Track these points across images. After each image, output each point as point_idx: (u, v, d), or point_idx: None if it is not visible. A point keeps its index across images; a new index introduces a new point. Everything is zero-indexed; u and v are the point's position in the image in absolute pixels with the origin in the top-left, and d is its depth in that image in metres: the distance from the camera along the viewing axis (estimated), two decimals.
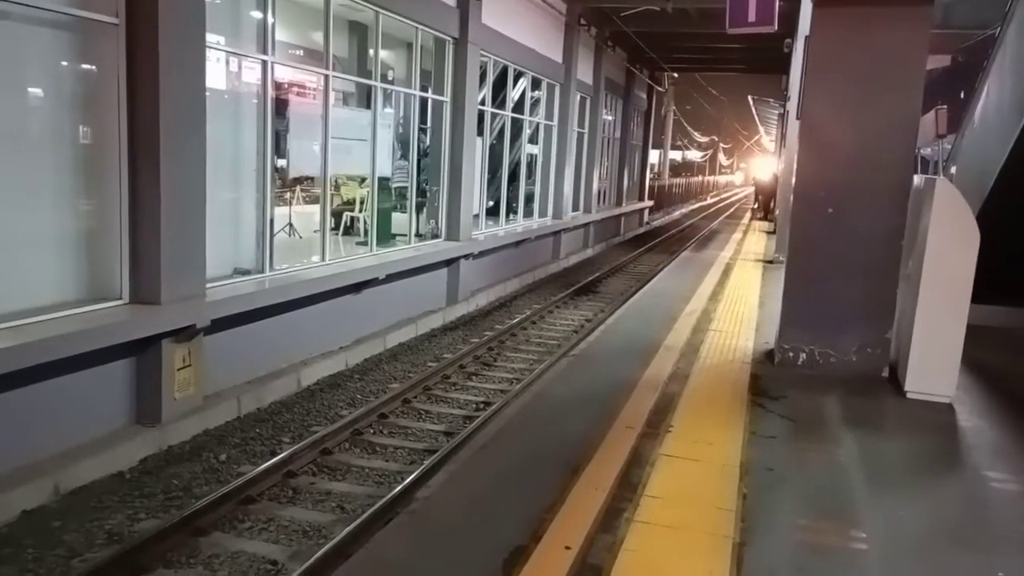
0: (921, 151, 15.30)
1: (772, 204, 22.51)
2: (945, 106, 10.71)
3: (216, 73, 7.27)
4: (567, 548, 3.23)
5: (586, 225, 20.16)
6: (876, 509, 3.84)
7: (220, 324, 6.82)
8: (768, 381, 5.87)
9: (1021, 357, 7.07)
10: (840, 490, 4.04)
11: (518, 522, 3.43)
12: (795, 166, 6.48)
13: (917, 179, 6.02)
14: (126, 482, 5.59)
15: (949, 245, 5.47)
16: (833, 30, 5.83)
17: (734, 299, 9.40)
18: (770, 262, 13.01)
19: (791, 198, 6.95)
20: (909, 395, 5.63)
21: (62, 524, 4.91)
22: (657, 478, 3.99)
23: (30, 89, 5.74)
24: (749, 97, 33.15)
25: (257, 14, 7.72)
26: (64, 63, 5.87)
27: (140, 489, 5.50)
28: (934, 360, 5.59)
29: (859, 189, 5.93)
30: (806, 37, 6.07)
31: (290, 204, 11.51)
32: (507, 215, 15.57)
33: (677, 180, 41.31)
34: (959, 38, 16.84)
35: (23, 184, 5.58)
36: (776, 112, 30.95)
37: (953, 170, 9.96)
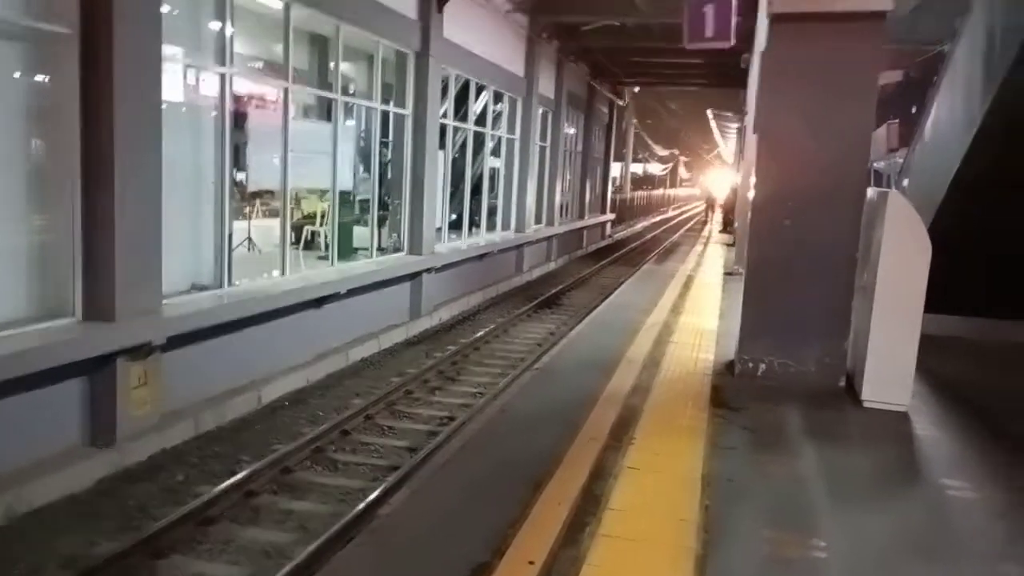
0: (875, 165, 15.65)
1: (732, 217, 22.83)
2: (897, 120, 10.99)
3: (173, 85, 7.17)
4: (531, 563, 3.21)
5: (549, 238, 20.23)
6: (837, 520, 3.88)
7: (177, 341, 6.70)
8: (729, 392, 5.92)
9: (973, 365, 7.24)
10: (801, 501, 4.08)
11: (481, 538, 3.40)
12: (752, 179, 6.57)
13: (871, 192, 6.15)
14: (81, 504, 5.45)
15: (902, 256, 5.58)
16: (788, 45, 5.93)
17: (695, 311, 9.49)
18: (730, 274, 13.16)
19: (748, 211, 7.04)
20: (866, 404, 5.72)
21: (14, 548, 4.76)
22: (620, 491, 3.99)
23: None
24: (708, 111, 33.65)
25: (216, 25, 7.63)
26: (16, 74, 5.76)
27: (95, 511, 5.36)
28: (889, 370, 5.69)
29: (815, 201, 6.03)
30: (762, 52, 6.17)
31: (250, 218, 11.38)
32: (470, 228, 15.57)
33: (639, 193, 41.72)
34: (913, 53, 17.30)
35: None
36: (735, 126, 31.45)
37: (905, 183, 10.20)
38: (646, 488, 4.08)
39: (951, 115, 7.72)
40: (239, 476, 5.89)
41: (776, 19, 5.85)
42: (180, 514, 5.21)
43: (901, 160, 11.10)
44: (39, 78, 5.87)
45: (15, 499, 5.15)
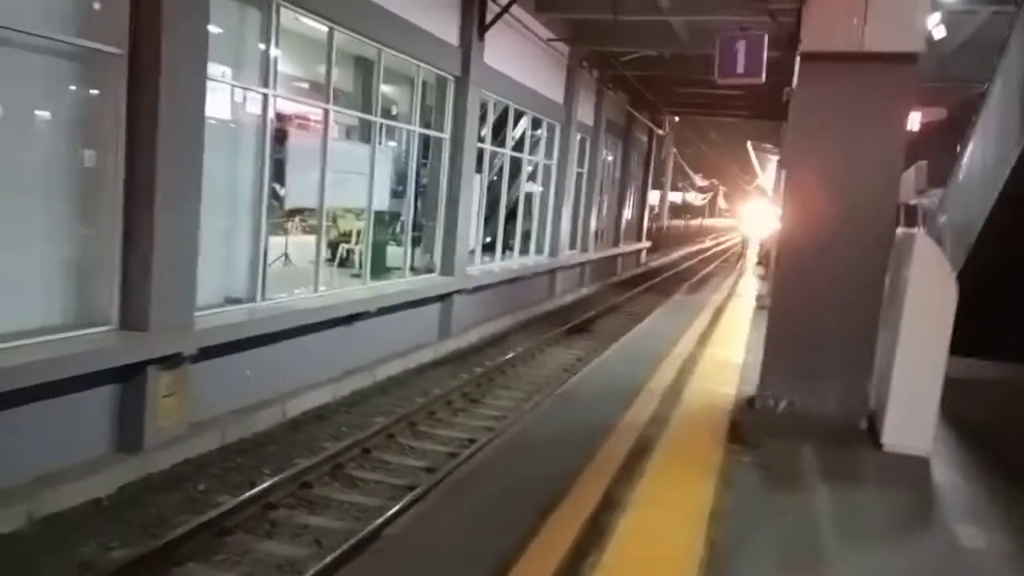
0: (922, 201, 15.47)
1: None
2: (925, 161, 10.86)
3: (217, 104, 7.41)
4: None
5: (582, 264, 20.27)
6: (845, 562, 3.85)
7: (208, 352, 6.86)
8: (746, 428, 5.89)
9: (997, 411, 7.09)
10: (810, 541, 4.05)
11: (483, 563, 3.45)
12: (780, 215, 6.57)
13: (899, 232, 6.11)
14: (103, 510, 5.60)
15: (928, 299, 5.53)
16: (817, 84, 5.94)
17: (722, 343, 9.45)
18: (761, 308, 13.06)
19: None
20: (886, 447, 5.64)
21: (34, 552, 4.91)
22: (626, 522, 4.01)
23: (33, 117, 5.88)
24: (748, 143, 33.51)
25: (261, 47, 7.88)
26: (67, 92, 6.01)
27: (116, 517, 5.51)
28: (911, 413, 5.62)
29: (841, 240, 6.00)
30: (792, 89, 6.19)
31: (287, 234, 11.64)
32: (503, 251, 15.69)
33: (676, 222, 41.58)
34: (956, 91, 17.09)
35: (23, 209, 5.69)
36: (775, 158, 31.29)
37: (943, 219, 10.08)
38: (653, 521, 4.09)
39: (985, 155, 7.64)
40: (259, 488, 6.00)
41: (806, 57, 5.87)
42: (198, 523, 5.32)
43: (936, 199, 10.97)
44: (88, 95, 6.11)
45: (41, 502, 5.32)
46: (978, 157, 7.94)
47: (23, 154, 5.74)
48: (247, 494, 5.88)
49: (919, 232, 6.17)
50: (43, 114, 5.93)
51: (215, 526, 5.41)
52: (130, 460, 6.11)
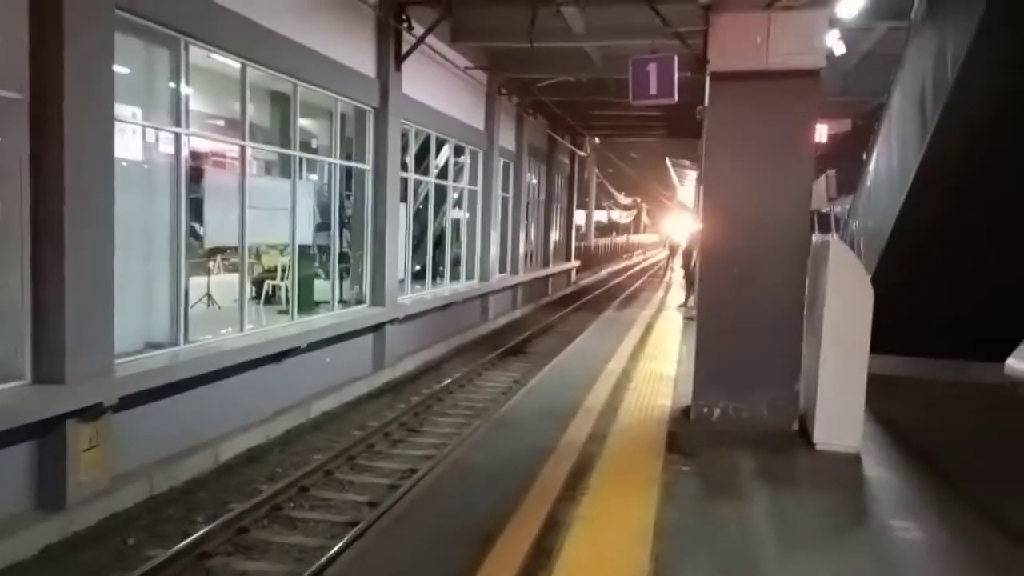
0: (833, 208, 16.11)
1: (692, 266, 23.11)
2: (833, 171, 11.36)
3: (128, 145, 7.20)
4: None
5: (514, 287, 20.35)
6: (787, 568, 3.93)
7: (130, 401, 6.60)
8: (684, 439, 5.98)
9: (920, 405, 7.39)
10: (752, 550, 4.11)
11: None
12: (702, 228, 6.74)
13: (815, 239, 6.34)
14: (26, 573, 5.29)
15: (846, 301, 5.74)
16: (727, 102, 6.16)
17: (654, 357, 9.59)
18: (690, 319, 13.33)
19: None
20: (818, 447, 5.81)
21: None
22: (571, 543, 4.01)
23: None
24: (667, 160, 34.37)
25: (172, 85, 7.69)
26: None
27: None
28: (839, 412, 5.81)
29: (760, 250, 6.20)
30: (703, 108, 6.40)
31: (209, 274, 11.34)
32: (434, 279, 15.62)
33: (603, 240, 42.21)
34: (859, 104, 17.94)
35: None
36: (693, 174, 32.14)
37: (854, 225, 10.51)
38: (598, 539, 4.10)
39: (890, 162, 8.01)
40: (192, 538, 5.78)
41: (714, 77, 6.08)
42: None
43: (847, 205, 11.45)
44: None
45: None
46: (883, 164, 8.32)
47: None
48: (180, 545, 5.65)
49: (833, 238, 6.42)
50: None
51: None
52: (52, 519, 5.80)
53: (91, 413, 6.15)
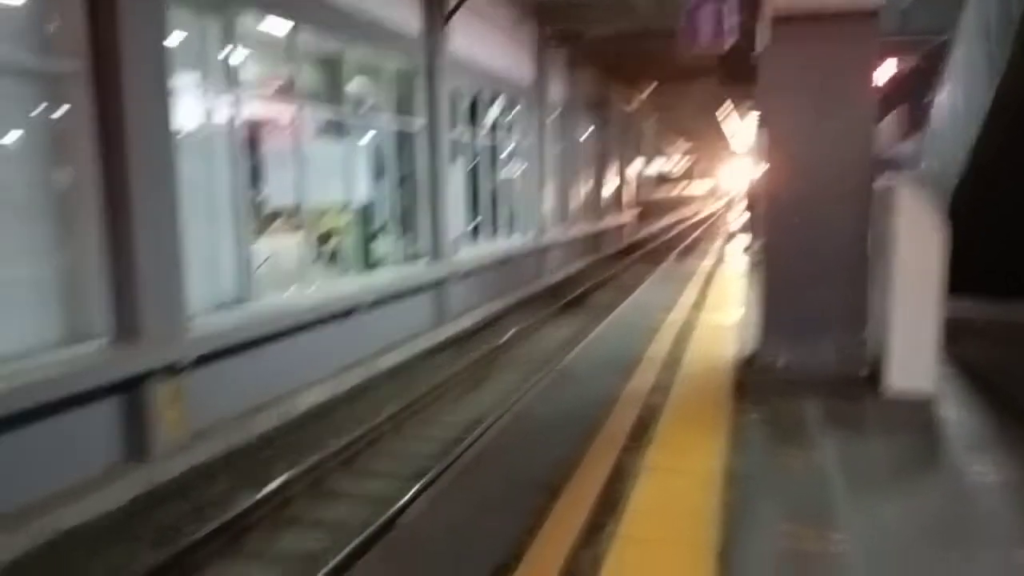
0: (900, 149, 15.55)
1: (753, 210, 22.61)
2: (899, 111, 10.90)
3: (186, 112, 7.34)
4: (549, 567, 3.27)
5: (569, 241, 20.28)
6: (859, 511, 3.89)
7: (204, 359, 6.85)
8: (750, 387, 5.93)
9: (997, 347, 7.17)
10: (822, 494, 4.08)
11: (500, 543, 3.47)
12: (763, 176, 6.59)
13: (881, 181, 6.14)
14: (116, 522, 5.60)
15: (916, 243, 5.56)
16: (784, 45, 5.95)
17: (715, 307, 9.49)
18: (754, 266, 13.11)
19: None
20: (889, 393, 5.69)
21: (53, 568, 4.90)
22: (639, 492, 4.04)
23: (3, 142, 5.81)
24: (723, 107, 33.48)
25: (225, 51, 7.79)
26: (33, 112, 5.93)
27: (130, 529, 5.50)
28: (912, 356, 5.66)
29: (824, 194, 6.03)
30: (761, 53, 6.21)
31: (273, 235, 11.56)
32: (490, 235, 15.67)
33: (658, 191, 41.58)
34: (919, 43, 17.14)
35: (7, 232, 5.64)
36: (751, 120, 31.29)
37: (922, 166, 10.13)
38: (665, 487, 4.12)
39: (957, 101, 7.67)
40: (270, 487, 6.01)
41: (771, 22, 5.88)
42: (213, 528, 5.33)
43: (915, 146, 11.02)
44: (56, 114, 6.04)
45: (54, 520, 5.30)
46: (951, 103, 7.97)
47: (2, 181, 5.69)
48: (260, 494, 5.88)
49: (902, 179, 6.20)
50: (16, 138, 5.87)
51: (231, 528, 5.42)
52: (139, 471, 6.11)
53: (170, 371, 6.41)
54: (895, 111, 11.74)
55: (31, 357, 5.60)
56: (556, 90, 18.78)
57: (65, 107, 6.01)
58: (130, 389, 6.20)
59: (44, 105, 5.97)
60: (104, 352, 6.06)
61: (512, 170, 17.21)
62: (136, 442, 6.24)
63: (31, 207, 5.85)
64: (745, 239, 16.45)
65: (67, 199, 6.07)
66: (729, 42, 6.17)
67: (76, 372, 5.60)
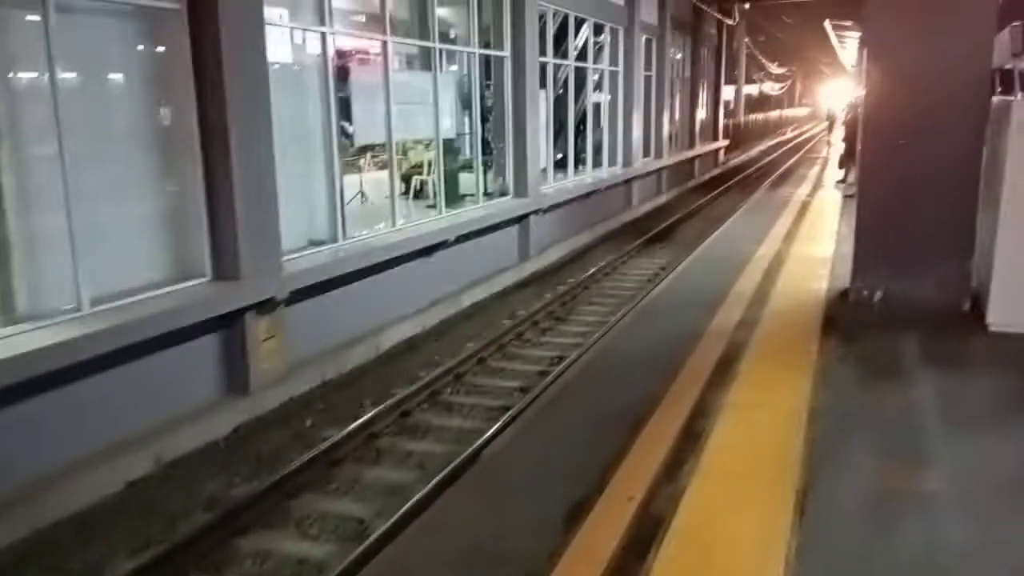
0: (1019, 64, 14.38)
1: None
2: (1021, 23, 9.94)
3: (277, 48, 7.42)
4: (629, 499, 3.31)
5: (658, 171, 19.81)
6: (953, 452, 3.76)
7: (298, 295, 7.09)
8: (842, 322, 5.75)
9: None
10: (914, 434, 3.95)
11: (581, 476, 3.52)
12: (864, 96, 6.22)
13: (995, 100, 5.70)
14: (221, 451, 5.96)
15: None
16: None
17: (809, 239, 9.16)
18: (849, 196, 12.54)
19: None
20: (992, 328, 5.42)
21: (164, 492, 5.28)
22: (721, 428, 4.01)
23: (107, 80, 6.08)
24: (826, 22, 31.57)
25: None
26: (134, 52, 6.12)
27: (234, 456, 5.85)
28: (1017, 291, 5.35)
29: (932, 116, 5.66)
30: None
31: (360, 172, 11.76)
32: (576, 167, 15.45)
33: (753, 116, 39.92)
34: None
35: (111, 171, 5.91)
36: (855, 35, 29.44)
37: None
38: (749, 424, 4.07)
39: None
40: (362, 420, 6.26)
41: None
42: (309, 457, 5.61)
43: None
44: (155, 51, 6.22)
45: (163, 448, 5.68)
46: None
47: (104, 117, 5.94)
48: (351, 426, 6.14)
49: (1018, 99, 5.75)
50: (119, 76, 6.11)
51: (325, 458, 5.69)
52: (240, 402, 6.44)
53: (266, 307, 6.67)
54: (1013, 21, 10.80)
55: (139, 294, 5.91)
56: (647, 11, 18.08)
57: (164, 46, 6.19)
58: (230, 324, 6.50)
59: (144, 43, 6.15)
60: (206, 289, 6.35)
61: (600, 98, 16.81)
62: (237, 375, 6.57)
63: (136, 149, 6.10)
64: (839, 172, 15.69)
65: (170, 139, 6.30)
66: None
67: (181, 307, 5.89)
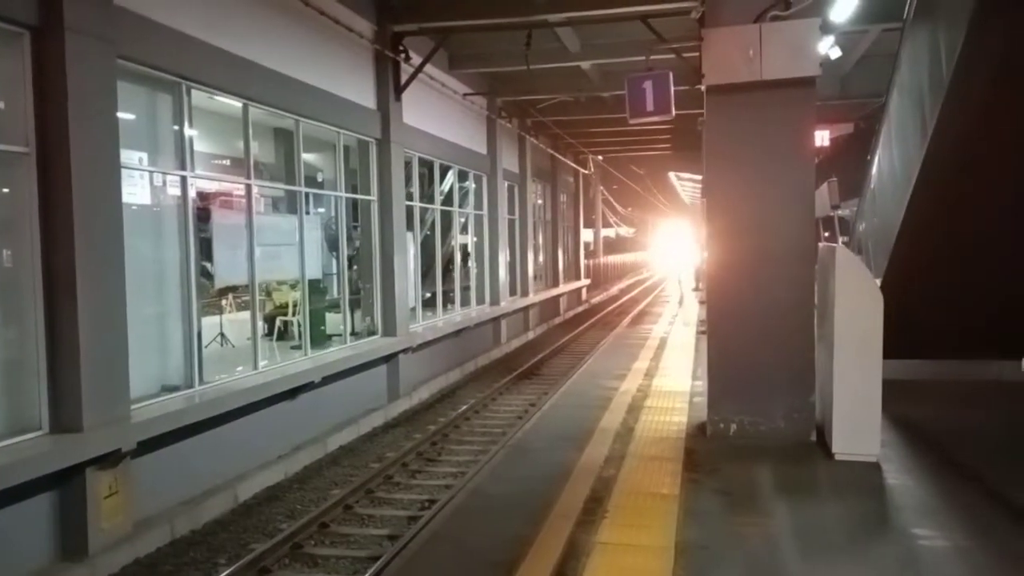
0: (838, 213, 16.08)
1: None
2: (835, 178, 11.32)
3: (135, 190, 7.28)
4: None
5: (525, 308, 20.35)
6: None
7: (149, 445, 6.63)
8: (702, 455, 5.95)
9: (938, 408, 7.31)
10: (775, 563, 4.08)
11: None
12: (706, 243, 6.74)
13: (821, 246, 6.32)
14: None
15: (855, 307, 5.71)
16: (724, 113, 6.19)
17: (667, 373, 9.56)
18: (703, 332, 13.28)
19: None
20: (837, 457, 5.76)
21: None
22: (592, 569, 3.98)
23: None
24: (671, 174, 34.39)
25: (175, 128, 7.78)
26: None
27: None
28: (857, 420, 5.76)
29: (767, 260, 6.19)
30: (702, 120, 6.43)
31: (221, 313, 11.41)
32: (444, 305, 15.65)
33: (612, 257, 42.18)
34: (859, 106, 17.92)
35: None
36: (699, 187, 32.11)
37: (861, 228, 10.47)
38: (619, 564, 4.07)
39: (892, 163, 8.00)
40: None
41: (711, 90, 6.11)
42: None
43: (853, 210, 11.42)
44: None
45: None
46: (886, 166, 8.31)
47: None
48: None
49: (839, 245, 6.40)
50: None
51: None
52: (75, 569, 5.82)
53: (110, 460, 6.18)
54: (832, 175, 12.20)
55: None
56: (508, 160, 19.11)
57: (8, 187, 5.92)
58: (67, 481, 5.95)
59: None
60: (39, 443, 5.83)
61: (466, 239, 17.33)
62: (72, 538, 5.95)
63: None
64: (698, 311, 16.74)
65: (7, 284, 5.93)
66: (672, 111, 6.38)
67: (5, 465, 5.35)
